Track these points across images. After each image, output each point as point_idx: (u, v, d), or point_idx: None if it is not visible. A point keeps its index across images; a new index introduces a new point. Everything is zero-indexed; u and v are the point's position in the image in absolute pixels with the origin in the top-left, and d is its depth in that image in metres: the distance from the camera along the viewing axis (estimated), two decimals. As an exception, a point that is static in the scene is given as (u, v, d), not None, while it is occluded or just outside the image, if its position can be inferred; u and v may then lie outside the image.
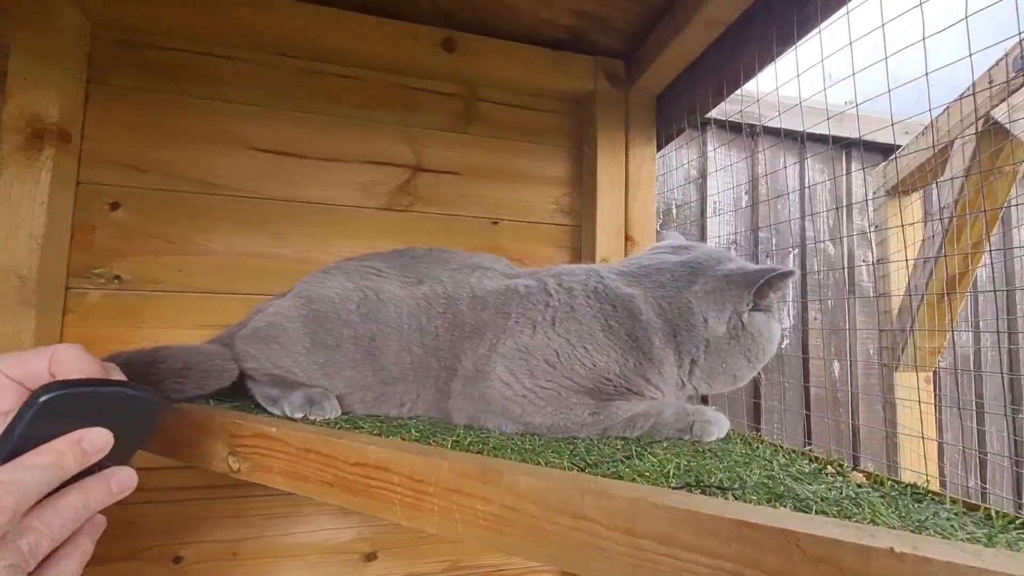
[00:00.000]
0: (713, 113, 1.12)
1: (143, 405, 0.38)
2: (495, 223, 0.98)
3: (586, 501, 0.32)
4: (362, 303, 0.60)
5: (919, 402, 0.92)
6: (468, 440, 0.48)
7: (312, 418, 0.56)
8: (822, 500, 0.34)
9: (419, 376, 0.59)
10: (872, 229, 1.35)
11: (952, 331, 0.97)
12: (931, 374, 0.95)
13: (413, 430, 0.52)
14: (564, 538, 0.32)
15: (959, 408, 1.28)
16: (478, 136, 0.99)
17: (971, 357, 1.49)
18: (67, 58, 0.76)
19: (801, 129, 0.83)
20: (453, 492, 0.37)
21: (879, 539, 0.25)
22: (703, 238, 1.30)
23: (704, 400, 1.03)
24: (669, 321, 0.55)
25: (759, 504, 0.34)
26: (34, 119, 0.73)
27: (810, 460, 0.46)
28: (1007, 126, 0.67)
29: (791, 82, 0.79)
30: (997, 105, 0.68)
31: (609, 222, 0.98)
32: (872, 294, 1.30)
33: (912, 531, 0.30)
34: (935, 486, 0.41)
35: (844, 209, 1.41)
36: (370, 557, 0.87)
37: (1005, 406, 1.41)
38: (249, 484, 0.82)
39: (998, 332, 1.42)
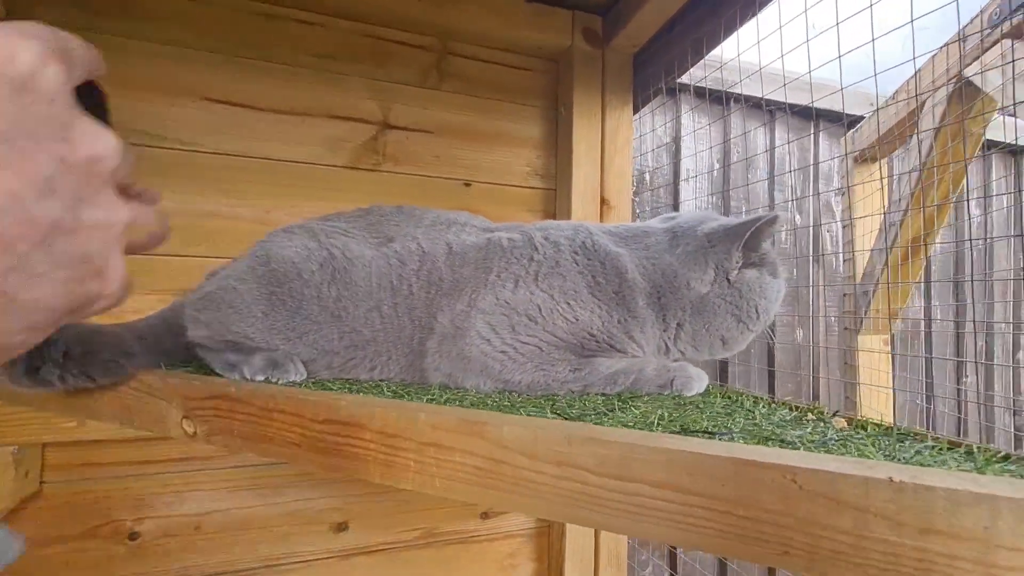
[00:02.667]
0: (687, 79, 1.11)
1: None
2: (467, 185, 0.95)
3: (575, 448, 0.30)
4: (325, 262, 0.56)
5: (884, 365, 0.95)
6: (444, 398, 0.46)
7: (275, 381, 0.53)
8: (809, 443, 0.34)
9: (390, 337, 0.56)
10: (836, 191, 1.38)
11: (922, 294, 1.00)
12: (889, 336, 0.99)
13: (386, 389, 0.49)
14: (553, 488, 0.31)
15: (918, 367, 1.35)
16: (450, 93, 0.94)
17: (922, 320, 1.56)
18: (-18, -13, 0.68)
19: (772, 97, 0.83)
20: (430, 446, 0.35)
21: (877, 470, 0.25)
22: (675, 204, 1.30)
23: None
24: (654, 283, 0.54)
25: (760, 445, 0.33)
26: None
27: (791, 409, 0.46)
28: (978, 84, 0.67)
29: (770, 43, 0.77)
30: (970, 64, 0.68)
31: (585, 186, 0.96)
32: (835, 260, 1.33)
33: (901, 461, 0.30)
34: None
35: (811, 178, 1.43)
36: (341, 527, 0.85)
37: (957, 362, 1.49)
38: (212, 456, 0.79)
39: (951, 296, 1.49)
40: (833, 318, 1.40)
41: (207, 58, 0.80)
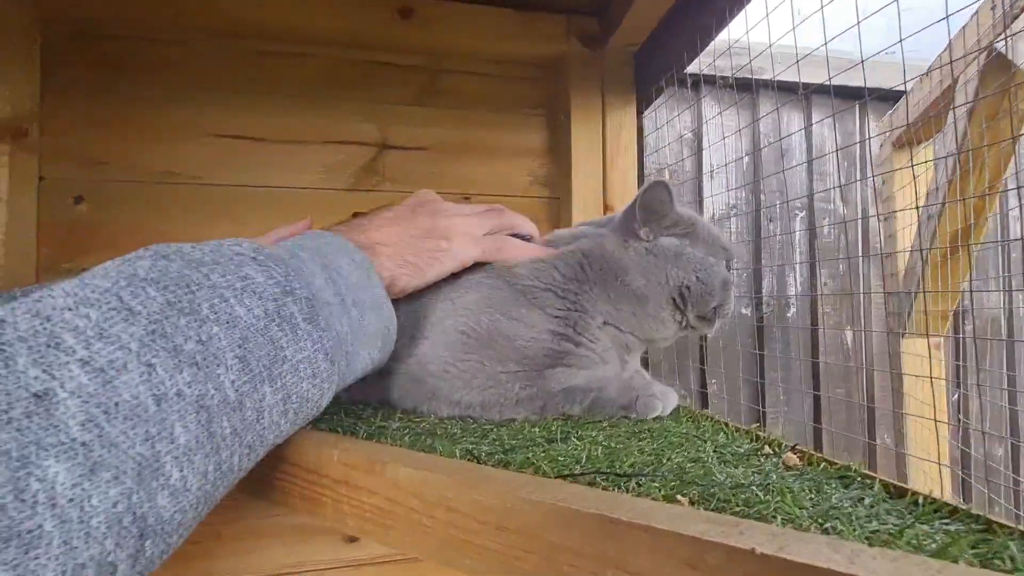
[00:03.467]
0: (706, 68, 1.05)
1: None
2: (467, 199, 0.95)
3: (460, 495, 0.29)
4: None
5: (929, 376, 0.85)
6: (395, 427, 0.46)
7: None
8: (734, 487, 0.31)
9: None
10: (874, 178, 1.26)
11: (971, 291, 0.89)
12: (941, 341, 0.88)
13: (344, 415, 0.50)
14: (442, 534, 0.30)
15: (978, 381, 1.19)
16: (446, 109, 0.95)
17: (1002, 321, 1.38)
18: (17, 54, 0.76)
19: (806, 79, 0.76)
20: (342, 483, 0.35)
21: (745, 537, 0.22)
22: (699, 201, 1.23)
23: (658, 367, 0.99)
24: (587, 276, 0.54)
25: (664, 492, 0.31)
26: (-14, 117, 0.73)
27: (752, 439, 0.42)
28: (1010, 56, 0.58)
29: (782, 17, 0.71)
30: (1001, 34, 0.59)
31: (586, 192, 0.93)
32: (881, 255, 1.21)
33: (817, 521, 0.27)
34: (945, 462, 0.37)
35: (856, 162, 1.31)
36: (351, 539, 0.88)
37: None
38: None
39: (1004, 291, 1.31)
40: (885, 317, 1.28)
41: (212, 97, 0.85)
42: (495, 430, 0.46)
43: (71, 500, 0.21)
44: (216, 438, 0.27)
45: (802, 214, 1.29)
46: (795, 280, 1.29)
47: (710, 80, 1.13)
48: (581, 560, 0.25)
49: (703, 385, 1.17)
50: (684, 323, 0.57)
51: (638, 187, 0.98)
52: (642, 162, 1.19)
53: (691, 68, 0.93)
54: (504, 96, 0.97)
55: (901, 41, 0.54)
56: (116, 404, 0.23)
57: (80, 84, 0.81)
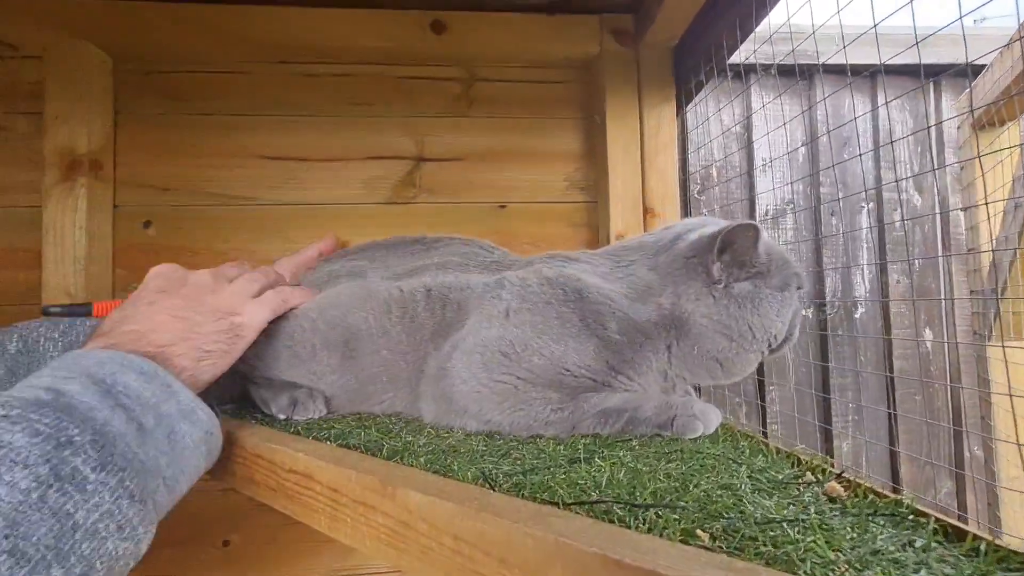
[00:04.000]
0: (754, 56, 0.99)
1: None
2: (503, 207, 0.94)
3: (465, 524, 0.29)
4: (323, 311, 0.60)
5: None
6: (421, 443, 0.47)
7: (296, 418, 0.58)
8: (763, 523, 0.29)
9: (391, 377, 0.58)
10: (952, 165, 1.13)
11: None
12: (1037, 343, 0.77)
13: (375, 430, 0.51)
14: (450, 561, 0.30)
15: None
16: (480, 118, 0.95)
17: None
18: (93, 93, 0.84)
19: (849, 62, 0.70)
20: (359, 504, 0.35)
21: (757, 591, 0.20)
22: (751, 197, 1.16)
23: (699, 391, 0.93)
24: (634, 307, 0.49)
25: (684, 525, 0.29)
26: (68, 153, 0.81)
27: (794, 463, 0.39)
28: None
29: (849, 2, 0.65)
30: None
31: (624, 195, 0.90)
32: (966, 246, 1.09)
33: (855, 567, 0.24)
34: None
35: (930, 148, 1.19)
36: (398, 544, 0.90)
37: None
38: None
39: None
40: (966, 318, 1.15)
41: (262, 121, 0.90)
42: (519, 448, 0.45)
43: None
44: None
45: (868, 206, 1.19)
46: (863, 279, 1.18)
47: (756, 68, 1.06)
48: (583, 600, 0.24)
49: (761, 398, 1.10)
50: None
51: (680, 187, 0.94)
52: (685, 159, 1.14)
53: (738, 57, 0.88)
54: (539, 101, 0.96)
55: (967, 12, 0.48)
56: None
57: (148, 117, 0.88)
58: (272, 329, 0.61)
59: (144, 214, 0.88)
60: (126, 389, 0.33)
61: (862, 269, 1.18)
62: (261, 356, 0.61)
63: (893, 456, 1.11)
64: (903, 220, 1.16)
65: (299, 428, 0.53)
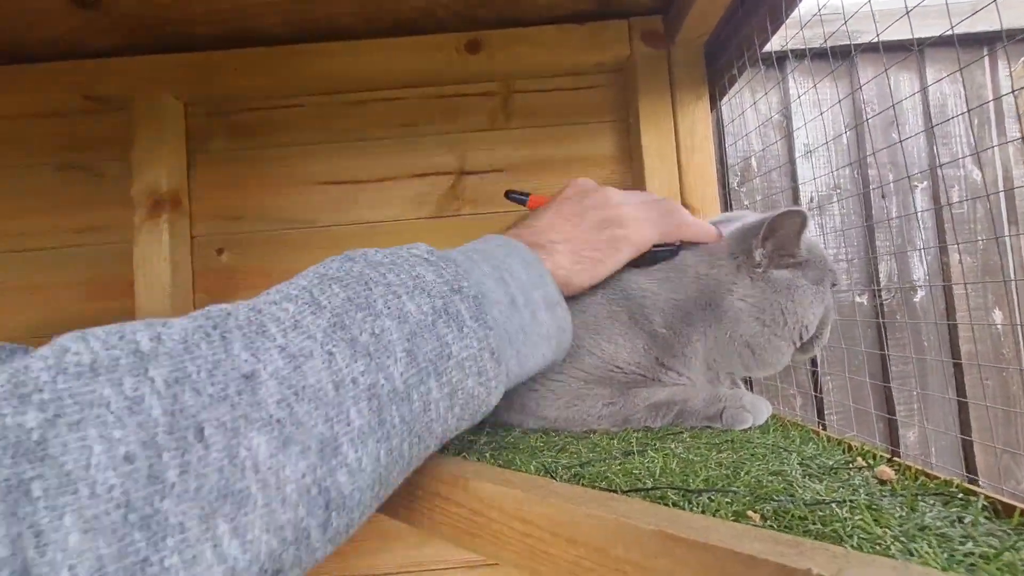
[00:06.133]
0: (789, 42, 0.99)
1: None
2: (543, 214, 0.98)
3: (533, 508, 0.32)
4: None
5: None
6: (482, 440, 0.51)
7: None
8: (812, 504, 0.30)
9: None
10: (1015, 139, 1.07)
11: None
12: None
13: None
14: (520, 544, 0.33)
15: None
16: (517, 129, 0.99)
17: None
18: (170, 137, 0.93)
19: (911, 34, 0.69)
20: (435, 495, 0.39)
21: (804, 558, 0.22)
22: (795, 187, 1.14)
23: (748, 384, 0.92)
24: (676, 297, 0.52)
25: (736, 507, 0.31)
26: (153, 192, 0.90)
27: (845, 450, 0.40)
28: None
29: None
30: None
31: (661, 195, 0.91)
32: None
33: (900, 541, 0.26)
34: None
35: (988, 122, 1.13)
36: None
37: None
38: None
39: None
40: (1044, 296, 1.08)
41: (318, 149, 0.97)
42: (575, 443, 0.48)
43: (270, 468, 0.24)
44: (386, 425, 0.29)
45: (923, 185, 1.14)
46: (922, 261, 1.14)
47: (795, 55, 1.05)
48: (644, 574, 0.27)
49: (816, 389, 1.08)
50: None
51: (718, 183, 0.95)
52: (723, 154, 1.14)
53: (773, 45, 0.88)
54: (573, 108, 0.99)
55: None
56: (303, 387, 0.26)
57: (216, 153, 0.98)
58: None
59: (217, 242, 0.97)
60: (510, 270, 0.39)
61: (919, 251, 1.14)
62: None
63: (965, 445, 1.06)
64: (964, 198, 1.11)
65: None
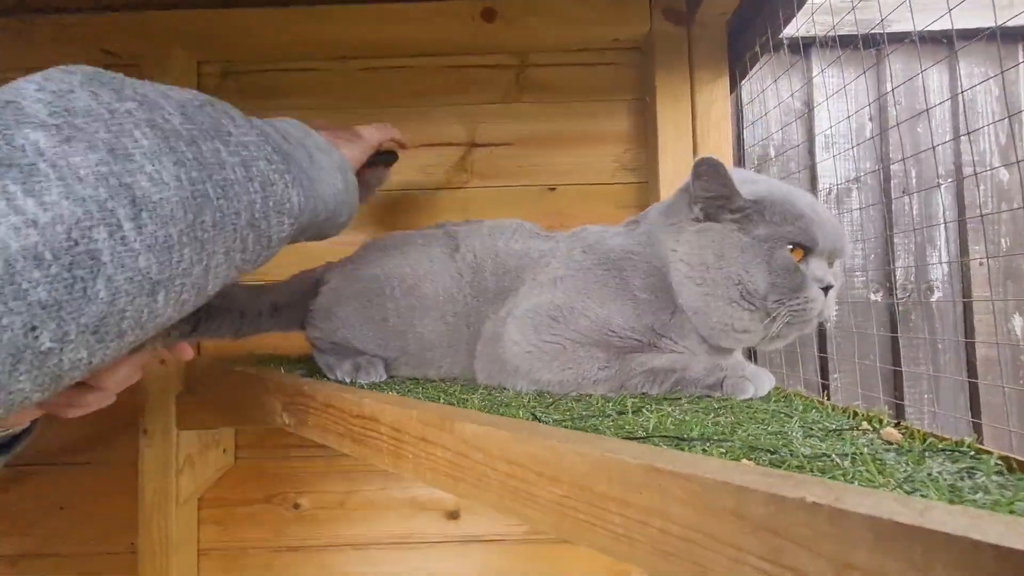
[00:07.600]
0: (812, 26, 0.96)
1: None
2: (552, 189, 0.96)
3: (519, 448, 0.31)
4: (403, 279, 0.64)
5: None
6: (475, 399, 0.49)
7: (360, 382, 0.62)
8: (810, 457, 0.29)
9: (452, 342, 0.62)
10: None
11: None
12: None
13: (433, 389, 0.54)
14: (504, 485, 0.32)
15: None
16: (531, 103, 0.97)
17: None
18: (182, 95, 0.93)
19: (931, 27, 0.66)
20: (421, 440, 0.38)
21: (798, 488, 0.21)
22: (813, 177, 1.11)
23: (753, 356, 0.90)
24: (653, 262, 0.51)
25: (730, 456, 0.29)
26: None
27: (850, 416, 0.38)
28: None
29: None
30: None
31: (674, 175, 0.89)
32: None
33: (903, 488, 0.24)
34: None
35: (1019, 119, 1.09)
36: (453, 515, 0.93)
37: None
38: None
39: None
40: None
41: (330, 115, 0.96)
42: (568, 403, 0.47)
43: (56, 154, 0.26)
44: (179, 153, 0.30)
45: (946, 182, 1.11)
46: (941, 256, 1.11)
47: (815, 40, 1.02)
48: (628, 510, 0.25)
49: (824, 375, 1.05)
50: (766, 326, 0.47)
51: (734, 164, 0.92)
52: (740, 136, 1.11)
53: (799, 31, 0.85)
54: (589, 84, 0.97)
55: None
56: (72, 109, 0.28)
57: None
58: (347, 292, 0.66)
59: (225, 204, 0.96)
60: (284, 125, 0.45)
61: (939, 250, 1.10)
62: (332, 318, 0.66)
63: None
64: (990, 195, 1.07)
65: (363, 389, 0.57)
